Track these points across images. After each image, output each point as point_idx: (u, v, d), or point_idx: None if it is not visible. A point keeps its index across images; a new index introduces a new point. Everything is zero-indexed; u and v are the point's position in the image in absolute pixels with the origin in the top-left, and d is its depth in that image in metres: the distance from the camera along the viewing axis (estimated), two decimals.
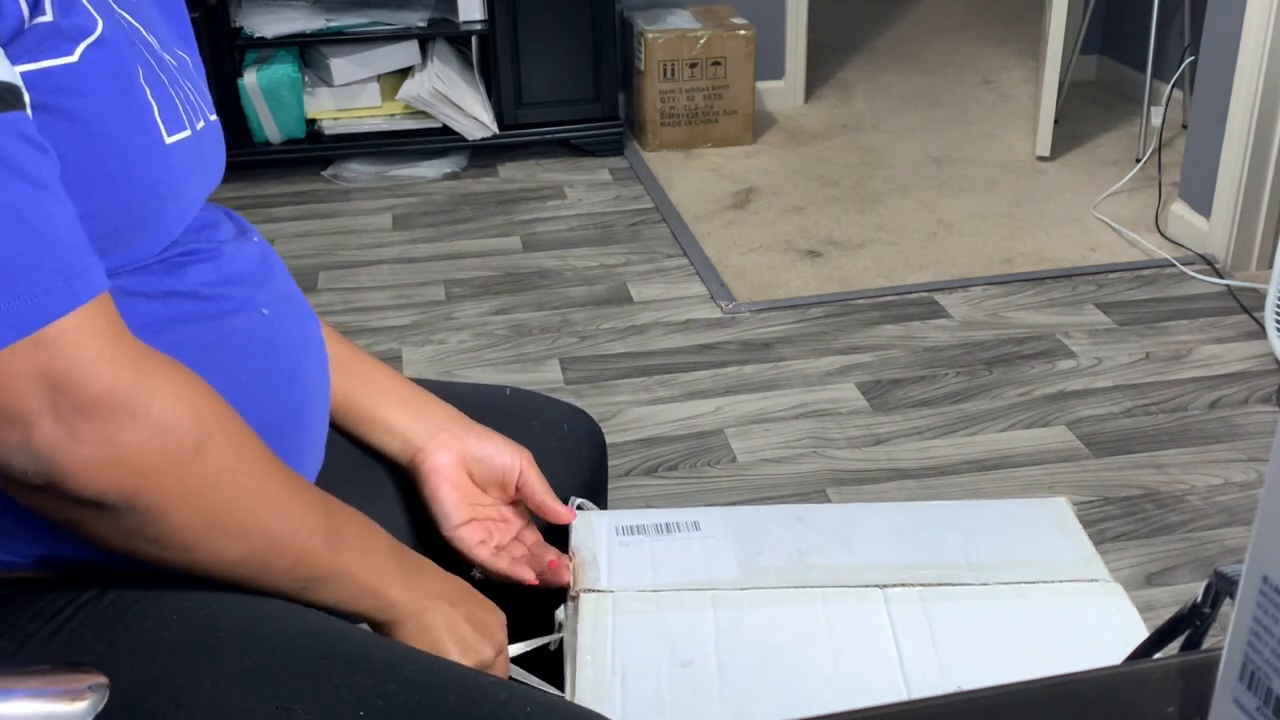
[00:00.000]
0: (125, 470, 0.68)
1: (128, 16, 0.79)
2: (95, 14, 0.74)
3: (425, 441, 1.01)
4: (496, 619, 0.91)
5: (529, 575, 0.99)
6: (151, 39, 0.81)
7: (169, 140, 0.78)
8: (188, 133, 0.80)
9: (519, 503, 1.05)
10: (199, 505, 0.72)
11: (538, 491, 1.03)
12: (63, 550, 0.78)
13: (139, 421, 0.68)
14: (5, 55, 0.68)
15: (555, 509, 1.03)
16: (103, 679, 0.65)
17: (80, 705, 0.64)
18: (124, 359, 0.68)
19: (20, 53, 0.69)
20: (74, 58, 0.71)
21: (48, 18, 0.70)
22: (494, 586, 0.98)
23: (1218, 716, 0.50)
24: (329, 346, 1.01)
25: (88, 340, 0.67)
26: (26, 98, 0.68)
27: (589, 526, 1.03)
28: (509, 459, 1.02)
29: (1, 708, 0.63)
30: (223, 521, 0.74)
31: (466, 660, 0.86)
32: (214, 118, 0.87)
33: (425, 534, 1.02)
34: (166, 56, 0.83)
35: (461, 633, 0.87)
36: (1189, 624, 0.61)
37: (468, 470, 1.02)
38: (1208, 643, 0.61)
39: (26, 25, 0.70)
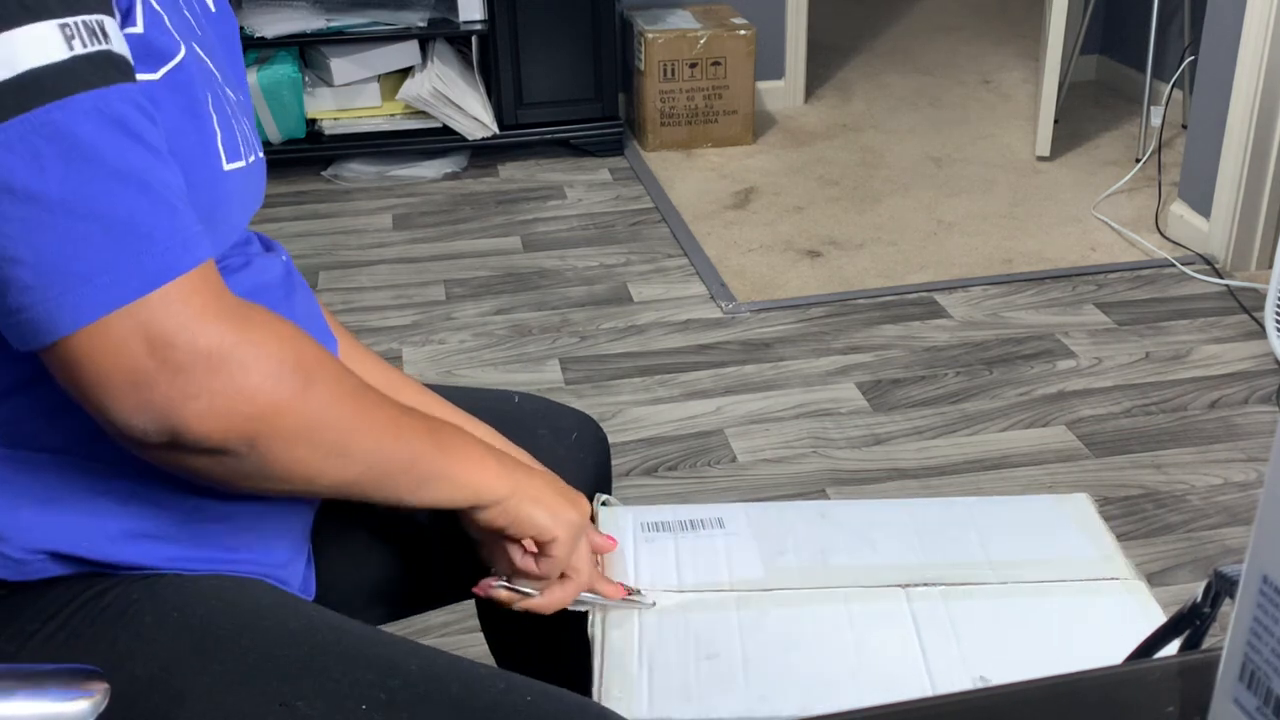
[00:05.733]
0: (241, 417, 0.71)
1: (199, 50, 0.82)
2: (179, 38, 0.77)
3: None
4: (579, 497, 0.94)
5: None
6: (217, 74, 0.84)
7: (227, 167, 0.80)
8: (243, 163, 0.83)
9: None
10: (314, 439, 0.75)
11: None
12: (66, 547, 0.78)
13: (247, 370, 0.71)
14: (120, 30, 0.70)
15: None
16: (103, 679, 0.65)
17: (81, 705, 0.64)
18: (226, 314, 0.71)
19: None
20: (157, 76, 0.74)
21: (137, 29, 0.73)
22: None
23: (1217, 716, 0.50)
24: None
25: (193, 299, 0.70)
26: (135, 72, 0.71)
27: (614, 522, 1.05)
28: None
29: (2, 708, 0.63)
30: (339, 449, 0.77)
31: (557, 527, 0.90)
32: (262, 155, 0.90)
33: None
34: (228, 91, 0.86)
35: (547, 504, 0.91)
36: (1189, 624, 0.61)
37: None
38: (1208, 643, 0.61)
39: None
